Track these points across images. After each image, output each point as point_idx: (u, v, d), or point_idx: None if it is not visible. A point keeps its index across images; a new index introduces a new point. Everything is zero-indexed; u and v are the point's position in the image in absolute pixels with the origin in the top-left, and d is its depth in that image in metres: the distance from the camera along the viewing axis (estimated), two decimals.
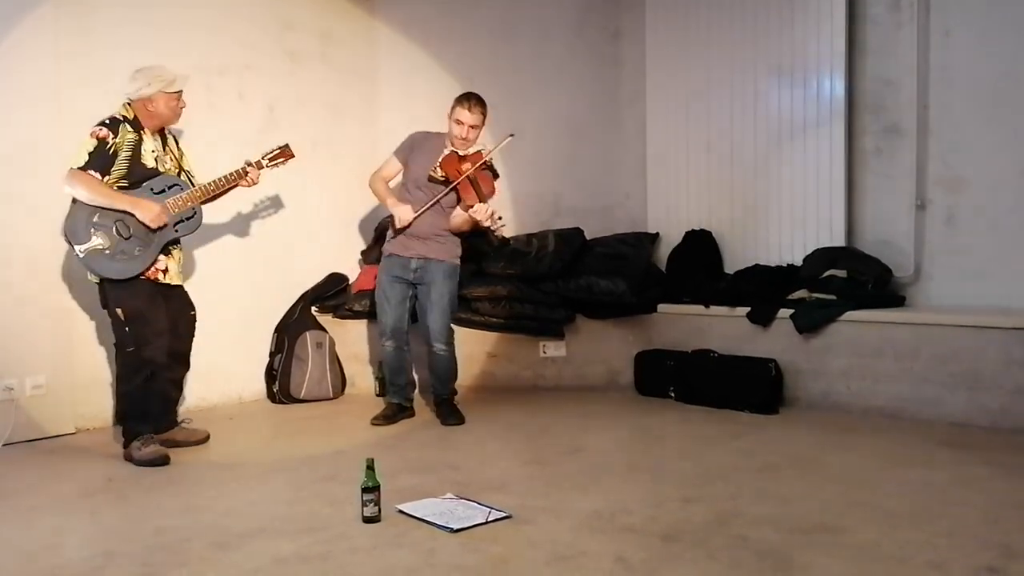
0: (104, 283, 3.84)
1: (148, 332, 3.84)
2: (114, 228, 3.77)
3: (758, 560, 2.54)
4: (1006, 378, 4.11)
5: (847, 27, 4.97)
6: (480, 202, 4.32)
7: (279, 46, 5.49)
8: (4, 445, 4.12)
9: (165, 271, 3.93)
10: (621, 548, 2.65)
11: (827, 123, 5.07)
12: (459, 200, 4.40)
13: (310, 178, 5.45)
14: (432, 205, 4.40)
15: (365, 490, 2.91)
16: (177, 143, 4.13)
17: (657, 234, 5.88)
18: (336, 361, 5.43)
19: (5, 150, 4.22)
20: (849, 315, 4.58)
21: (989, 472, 3.40)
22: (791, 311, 4.75)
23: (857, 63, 5.04)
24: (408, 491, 3.22)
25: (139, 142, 3.85)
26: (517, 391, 5.32)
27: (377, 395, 5.23)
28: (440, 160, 4.40)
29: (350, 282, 5.73)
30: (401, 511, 3.00)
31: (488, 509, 2.98)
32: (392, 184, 4.69)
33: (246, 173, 4.10)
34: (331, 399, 5.30)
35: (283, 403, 5.20)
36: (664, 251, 5.78)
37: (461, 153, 4.42)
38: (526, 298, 5.33)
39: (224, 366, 5.10)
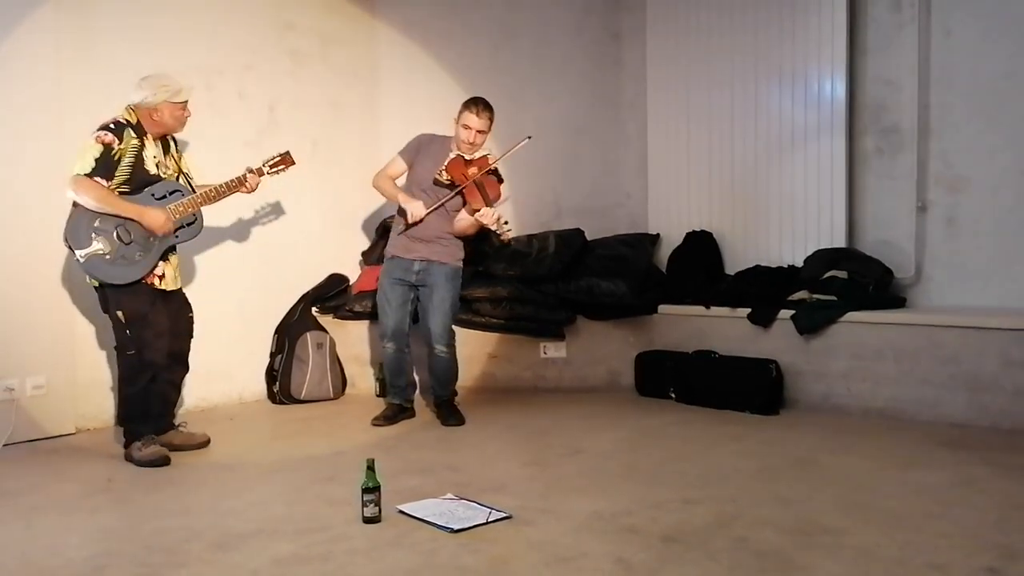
0: (104, 286, 3.84)
1: (149, 334, 3.84)
2: (115, 233, 3.76)
3: (758, 561, 2.54)
4: (1006, 379, 4.11)
5: (848, 27, 4.97)
6: (486, 206, 4.32)
7: (279, 47, 5.49)
8: (5, 445, 4.12)
9: (162, 277, 3.92)
10: (621, 549, 2.65)
11: (828, 124, 5.06)
12: (464, 204, 4.40)
13: (311, 179, 5.44)
14: (439, 207, 4.39)
15: (365, 491, 2.91)
16: (176, 145, 4.12)
17: (658, 235, 5.88)
18: (337, 362, 5.43)
19: (6, 152, 4.22)
20: (850, 316, 4.58)
21: (989, 473, 3.40)
22: (792, 312, 4.75)
23: (858, 63, 5.04)
24: (408, 492, 3.22)
25: (142, 148, 3.84)
26: (517, 392, 5.31)
27: (377, 396, 5.23)
28: (446, 164, 4.40)
29: (351, 283, 5.73)
30: (401, 512, 3.00)
31: (488, 510, 2.98)
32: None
33: (246, 180, 4.10)
34: (331, 400, 5.30)
35: (283, 404, 5.20)
36: (665, 252, 5.78)
37: (467, 157, 4.42)
38: (527, 299, 5.33)
39: (225, 366, 5.10)
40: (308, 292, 5.56)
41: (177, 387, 4.18)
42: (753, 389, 4.64)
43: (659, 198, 5.91)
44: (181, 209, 3.89)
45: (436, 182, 4.42)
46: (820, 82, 5.10)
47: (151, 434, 3.89)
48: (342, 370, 5.47)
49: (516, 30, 6.10)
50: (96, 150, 3.72)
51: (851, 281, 4.74)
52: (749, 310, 4.93)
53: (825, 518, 2.90)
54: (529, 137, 4.50)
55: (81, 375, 4.49)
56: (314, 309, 5.56)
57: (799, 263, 5.05)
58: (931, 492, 3.18)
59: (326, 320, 5.51)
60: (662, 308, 5.41)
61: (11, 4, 4.24)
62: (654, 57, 5.88)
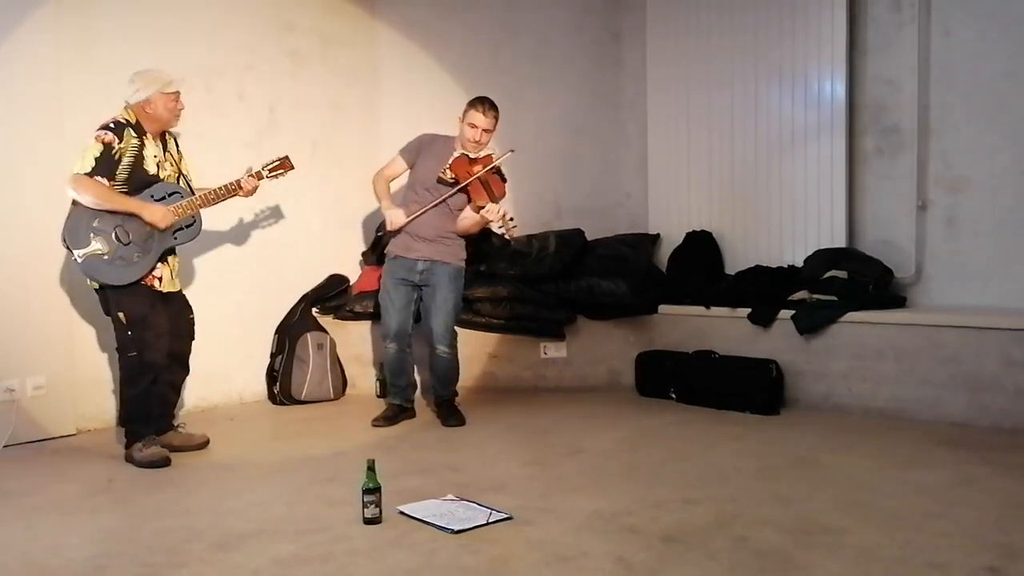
0: (105, 288, 3.84)
1: (150, 336, 3.84)
2: (113, 234, 3.76)
3: (759, 561, 2.54)
4: (1007, 379, 4.11)
5: (848, 27, 4.97)
6: (492, 203, 4.33)
7: (279, 47, 5.49)
8: (5, 446, 4.12)
9: (160, 279, 3.92)
10: (622, 549, 2.65)
11: (828, 124, 5.06)
12: (469, 202, 4.41)
13: (311, 179, 5.44)
14: (436, 205, 4.39)
15: (366, 491, 2.91)
16: (177, 146, 4.13)
17: (658, 235, 5.88)
18: (337, 362, 5.43)
19: (6, 153, 4.22)
20: (850, 316, 4.58)
21: (990, 472, 3.40)
22: (792, 312, 4.75)
23: (858, 63, 5.04)
24: (409, 492, 3.22)
25: (141, 147, 3.85)
26: (518, 392, 5.31)
27: (378, 396, 5.23)
28: (450, 162, 4.40)
29: (351, 283, 5.73)
30: (402, 512, 3.00)
31: (489, 510, 2.98)
32: (395, 184, 4.70)
33: (243, 183, 4.09)
34: (332, 400, 5.30)
35: (284, 404, 5.20)
36: (665, 252, 5.78)
37: (472, 156, 4.42)
38: (527, 299, 5.33)
39: (225, 367, 5.10)
40: (308, 292, 5.55)
41: (176, 389, 4.18)
42: (753, 389, 4.64)
43: (659, 198, 5.91)
44: (180, 211, 3.89)
45: (440, 180, 4.42)
46: (820, 82, 5.10)
47: (152, 435, 3.89)
48: (342, 370, 5.47)
49: (516, 30, 6.10)
50: (96, 149, 3.72)
51: (851, 281, 4.74)
52: (749, 310, 4.93)
53: (825, 518, 2.90)
54: (512, 150, 4.51)
55: (81, 376, 4.49)
56: (314, 309, 5.56)
57: (799, 263, 5.05)
58: (931, 491, 3.18)
59: (326, 320, 5.51)
60: (662, 308, 5.41)
61: (11, 4, 4.25)
62: (654, 57, 5.88)
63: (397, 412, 4.61)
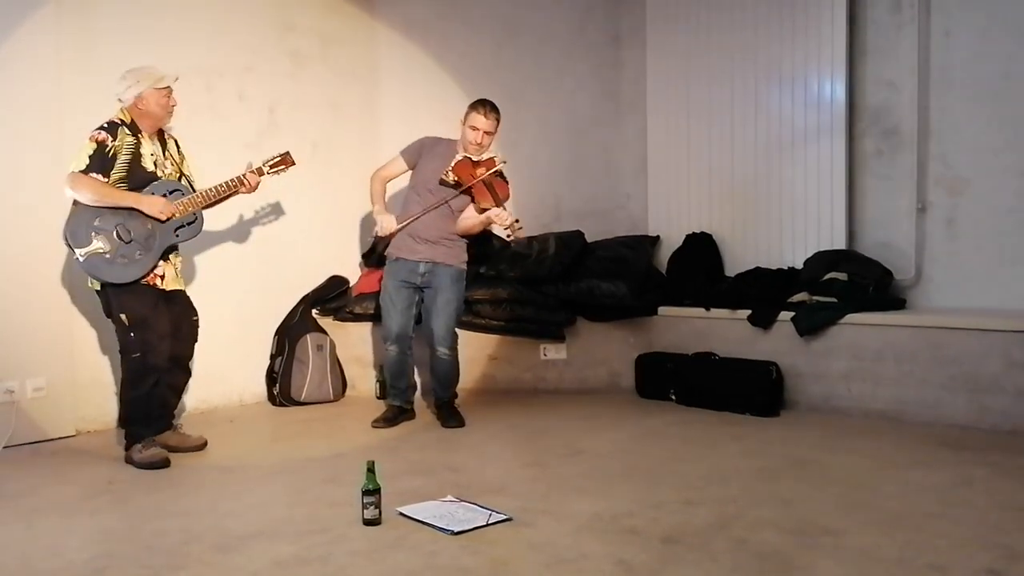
0: (107, 289, 3.84)
1: (152, 338, 3.83)
2: (115, 232, 3.76)
3: (759, 562, 2.54)
4: (1007, 380, 4.10)
5: (848, 29, 4.97)
6: (496, 206, 4.33)
7: (279, 48, 5.50)
8: (5, 447, 4.11)
9: (162, 277, 3.92)
10: (622, 550, 2.65)
11: (827, 125, 5.07)
12: (474, 203, 4.41)
13: (311, 180, 5.44)
14: (438, 206, 4.39)
15: (365, 492, 2.91)
16: (179, 147, 4.12)
17: (658, 237, 5.88)
18: (337, 364, 5.43)
19: (6, 153, 4.22)
20: (850, 318, 4.58)
21: (990, 474, 3.40)
22: (792, 314, 4.75)
23: (857, 65, 5.04)
24: (409, 493, 3.22)
25: (138, 145, 3.85)
26: (518, 393, 5.31)
27: (378, 398, 5.23)
28: (453, 164, 4.40)
29: (351, 284, 5.73)
30: (402, 514, 3.00)
31: (489, 512, 2.98)
32: (395, 185, 4.70)
33: (246, 179, 4.09)
34: (332, 402, 5.29)
35: (283, 405, 5.20)
36: (665, 254, 5.78)
37: (474, 159, 4.43)
38: (527, 301, 5.33)
39: (224, 368, 5.10)
40: (308, 294, 5.55)
41: (177, 391, 4.16)
42: (753, 391, 4.64)
43: (659, 200, 5.92)
44: (181, 208, 3.89)
45: (442, 182, 4.42)
46: (820, 83, 5.10)
47: (151, 437, 3.89)
48: (342, 372, 5.46)
49: (516, 31, 6.11)
50: (90, 148, 3.74)
51: (851, 283, 4.74)
52: (749, 312, 4.93)
53: (826, 519, 2.90)
54: (504, 161, 4.51)
55: (81, 377, 4.49)
56: (314, 311, 5.56)
57: (799, 265, 5.06)
58: (932, 493, 3.18)
59: (326, 322, 5.51)
60: (662, 310, 5.41)
61: (12, 5, 4.25)
62: (654, 58, 5.89)
63: (397, 413, 4.61)
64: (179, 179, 4.03)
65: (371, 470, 2.92)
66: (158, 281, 3.90)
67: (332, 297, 5.65)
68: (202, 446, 4.14)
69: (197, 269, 4.98)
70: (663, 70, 5.84)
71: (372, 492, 2.91)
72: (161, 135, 4.01)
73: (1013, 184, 4.56)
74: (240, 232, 5.24)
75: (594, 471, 3.60)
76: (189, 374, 4.20)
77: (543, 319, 5.36)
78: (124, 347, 3.87)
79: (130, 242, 3.79)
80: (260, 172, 4.14)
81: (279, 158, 4.23)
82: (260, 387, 5.36)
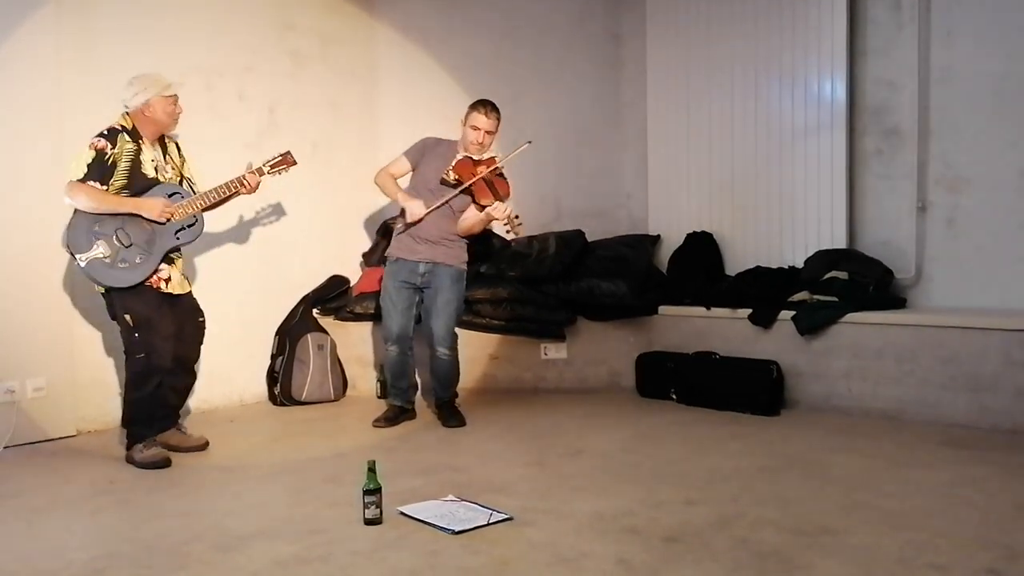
0: (111, 291, 3.84)
1: (156, 339, 3.83)
2: (115, 236, 3.77)
3: (760, 561, 2.54)
4: (1007, 380, 4.10)
5: (848, 28, 4.97)
6: (498, 202, 4.33)
7: (279, 47, 5.50)
8: (5, 447, 4.12)
9: (168, 280, 3.92)
10: (623, 550, 2.65)
11: (828, 124, 5.07)
12: (474, 201, 4.41)
13: (311, 180, 5.45)
14: (444, 204, 4.39)
15: (366, 492, 2.91)
16: (179, 150, 4.12)
17: (658, 236, 5.88)
18: (337, 363, 5.43)
19: (6, 153, 4.22)
20: (850, 317, 4.58)
21: (990, 473, 3.40)
22: (792, 313, 4.75)
23: (858, 64, 5.04)
24: (409, 493, 3.22)
25: (138, 152, 3.85)
26: (518, 393, 5.32)
27: (378, 397, 5.24)
28: (454, 164, 4.40)
29: (351, 284, 5.73)
30: (402, 513, 3.00)
31: (489, 511, 2.98)
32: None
33: (246, 180, 4.08)
34: (332, 401, 5.30)
35: (284, 405, 5.20)
36: (665, 253, 5.78)
37: (475, 158, 4.42)
38: (527, 300, 5.33)
39: (225, 368, 5.10)
40: (309, 294, 5.56)
41: (180, 393, 4.15)
42: (754, 390, 4.64)
43: (659, 199, 5.92)
44: (181, 211, 3.89)
45: (443, 182, 4.42)
46: (820, 83, 5.10)
47: (153, 437, 3.89)
48: (343, 372, 5.47)
49: (516, 31, 6.11)
50: (89, 155, 3.74)
51: (851, 282, 4.74)
52: (750, 311, 4.93)
53: (826, 518, 2.90)
54: (529, 142, 4.50)
55: (81, 377, 4.49)
56: (315, 310, 5.56)
57: (799, 264, 5.06)
58: (932, 492, 3.18)
59: (327, 322, 5.51)
60: (662, 309, 5.41)
61: (11, 5, 4.25)
62: (654, 57, 5.89)
63: (398, 413, 4.61)
64: (180, 182, 4.03)
65: (372, 470, 2.92)
66: (162, 285, 3.89)
67: (333, 297, 5.65)
68: (203, 446, 4.14)
69: (198, 269, 4.98)
70: (663, 69, 5.84)
71: (373, 492, 2.91)
72: (161, 139, 4.01)
73: (1013, 184, 4.56)
74: (240, 232, 5.24)
75: (595, 470, 3.60)
76: (194, 376, 4.19)
77: (543, 318, 5.36)
78: (128, 348, 3.87)
79: (130, 246, 3.79)
80: (260, 172, 4.13)
81: (279, 158, 4.22)
82: (261, 387, 5.36)
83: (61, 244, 3.82)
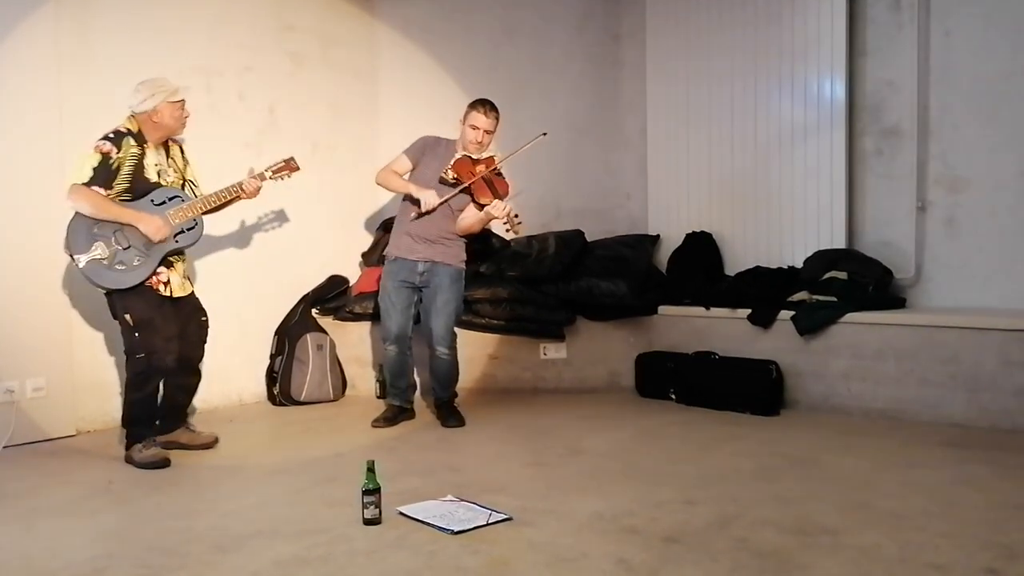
0: (112, 292, 3.84)
1: (157, 340, 3.83)
2: (113, 238, 3.76)
3: (759, 561, 2.54)
4: (1006, 379, 4.11)
5: (847, 28, 4.97)
6: (498, 200, 4.33)
7: (279, 47, 5.50)
8: (4, 447, 4.11)
9: (167, 283, 3.92)
10: (622, 550, 2.65)
11: (827, 124, 5.07)
12: (474, 200, 4.41)
13: (310, 180, 5.42)
14: (444, 203, 4.38)
15: (366, 492, 2.91)
16: (183, 153, 4.12)
17: (657, 236, 5.88)
18: (337, 363, 5.43)
19: (5, 153, 4.22)
20: (850, 317, 4.58)
21: (989, 473, 3.40)
22: (792, 313, 4.75)
23: (857, 64, 5.04)
24: (409, 493, 3.22)
25: (141, 156, 3.85)
26: (517, 393, 5.31)
27: (378, 397, 5.23)
28: (452, 163, 4.40)
29: (351, 284, 5.73)
30: (402, 513, 3.00)
31: (489, 511, 2.98)
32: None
33: (246, 185, 4.07)
34: (332, 401, 5.30)
35: (283, 405, 5.20)
36: (665, 253, 5.78)
37: (474, 157, 4.42)
38: (527, 300, 5.33)
39: (224, 368, 5.10)
40: (308, 293, 5.55)
41: (187, 391, 4.16)
42: (753, 390, 4.64)
43: (659, 199, 5.92)
44: (180, 215, 3.88)
45: (443, 181, 4.42)
46: (820, 82, 5.10)
47: (152, 437, 3.89)
48: (342, 371, 5.46)
49: (516, 31, 6.11)
50: (94, 159, 3.73)
51: (851, 282, 4.74)
52: (749, 311, 4.93)
53: (826, 518, 2.90)
54: (544, 133, 4.50)
55: (81, 377, 4.49)
56: (314, 310, 5.56)
57: (799, 264, 5.06)
58: (931, 492, 3.18)
59: (326, 321, 5.51)
60: (662, 309, 5.41)
61: (11, 4, 4.24)
62: (654, 57, 5.89)
63: (397, 413, 4.61)
64: (182, 186, 4.02)
65: (371, 469, 2.92)
66: (161, 288, 3.89)
67: (332, 297, 5.65)
68: (213, 444, 4.15)
69: (198, 270, 4.97)
70: (663, 69, 5.84)
71: (372, 492, 2.91)
72: (165, 143, 4.01)
73: (1013, 184, 4.56)
74: (240, 232, 5.24)
75: (594, 470, 3.60)
76: (199, 375, 4.20)
77: (543, 318, 5.36)
78: (129, 348, 3.87)
79: (128, 248, 3.78)
80: (262, 177, 4.13)
81: (282, 163, 4.21)
82: (260, 387, 5.36)
83: (60, 236, 3.80)
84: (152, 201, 3.86)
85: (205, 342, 4.15)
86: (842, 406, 4.59)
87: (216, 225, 4.94)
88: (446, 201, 4.39)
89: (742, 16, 5.41)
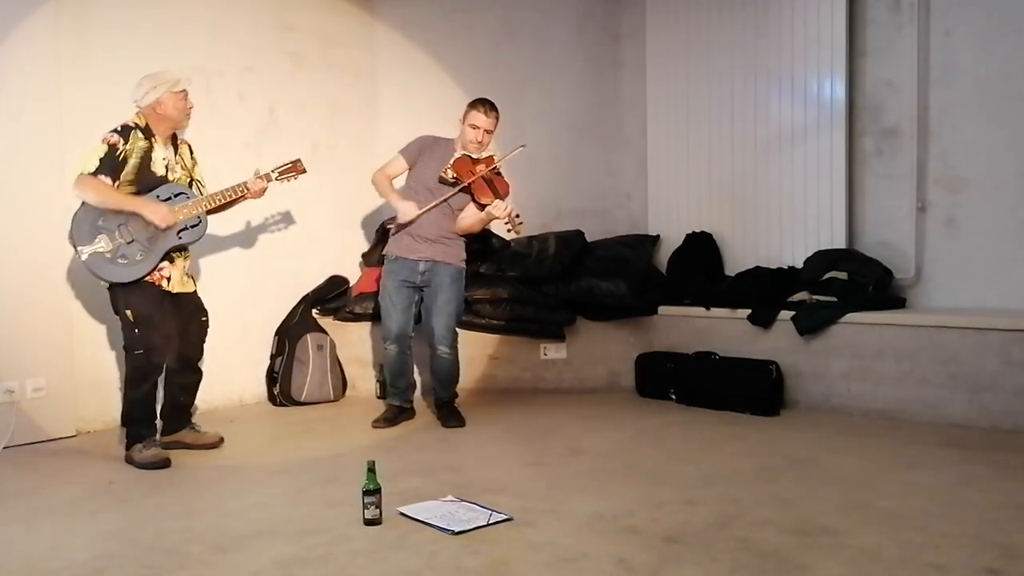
0: (114, 286, 3.85)
1: (157, 337, 3.84)
2: (117, 232, 3.78)
3: (759, 561, 2.54)
4: (1006, 380, 4.11)
5: (847, 28, 4.97)
6: (498, 200, 4.33)
7: (279, 47, 5.49)
8: (4, 448, 4.11)
9: (168, 279, 3.92)
10: (622, 550, 2.65)
11: (827, 124, 5.07)
12: (474, 200, 4.41)
13: (311, 180, 5.40)
14: (440, 203, 4.39)
15: (366, 492, 2.91)
16: (191, 153, 4.12)
17: (658, 236, 5.88)
18: (337, 363, 5.43)
19: (5, 152, 4.22)
20: (850, 317, 4.58)
21: (990, 473, 3.40)
22: (792, 313, 4.75)
23: (857, 64, 5.04)
24: (409, 493, 3.22)
25: (149, 149, 3.86)
26: (518, 393, 5.31)
27: (378, 397, 5.23)
28: (452, 162, 4.40)
29: (351, 284, 5.73)
30: (402, 513, 3.00)
31: (489, 511, 2.98)
32: (394, 184, 4.70)
33: (251, 185, 4.07)
34: (332, 401, 5.29)
35: (284, 405, 5.20)
36: (665, 253, 5.78)
37: (474, 156, 4.43)
38: (527, 300, 5.33)
39: (225, 368, 5.09)
40: (308, 294, 5.55)
41: (188, 390, 4.17)
42: (753, 390, 4.64)
43: (659, 199, 5.92)
44: (184, 211, 3.89)
45: (442, 180, 4.42)
46: (819, 83, 5.10)
47: (152, 437, 3.89)
48: (342, 372, 5.46)
49: (516, 30, 6.11)
50: (101, 150, 3.76)
51: (851, 282, 4.74)
52: (749, 311, 4.93)
53: (826, 518, 2.90)
54: (523, 145, 4.50)
55: (81, 377, 4.49)
56: (314, 311, 5.56)
57: (799, 264, 5.06)
58: (931, 492, 3.18)
59: (326, 322, 5.51)
60: (662, 309, 5.41)
61: (11, 4, 4.24)
62: (654, 57, 5.89)
63: (397, 413, 4.61)
64: (189, 184, 4.03)
65: (371, 470, 2.92)
66: (163, 283, 3.90)
67: (332, 297, 5.65)
68: (218, 443, 4.15)
69: (199, 270, 4.97)
70: (663, 69, 5.84)
71: (372, 492, 2.91)
72: (174, 140, 4.01)
73: (1013, 184, 4.56)
74: (241, 232, 5.24)
75: (594, 471, 3.60)
76: (200, 373, 4.20)
77: (543, 318, 5.36)
78: (128, 344, 3.88)
79: (131, 242, 3.79)
80: (268, 178, 4.13)
81: (289, 165, 4.22)
82: (260, 387, 5.36)
83: (60, 235, 3.80)
84: (158, 196, 3.87)
85: (204, 341, 4.15)
86: (842, 406, 4.59)
87: (216, 225, 4.92)
88: (437, 205, 4.38)
89: (742, 16, 5.41)
